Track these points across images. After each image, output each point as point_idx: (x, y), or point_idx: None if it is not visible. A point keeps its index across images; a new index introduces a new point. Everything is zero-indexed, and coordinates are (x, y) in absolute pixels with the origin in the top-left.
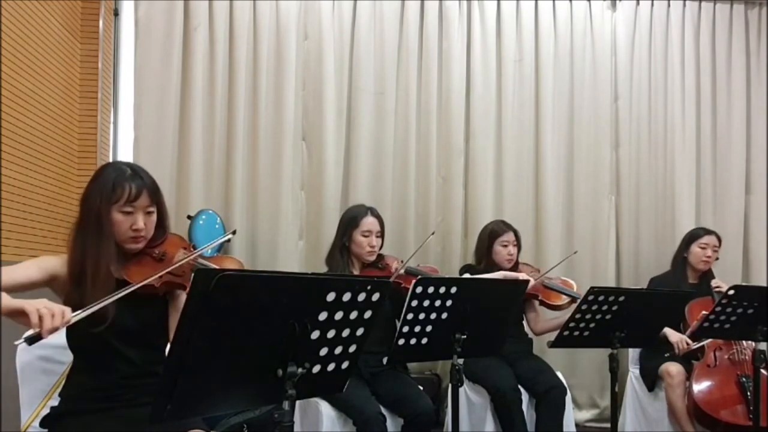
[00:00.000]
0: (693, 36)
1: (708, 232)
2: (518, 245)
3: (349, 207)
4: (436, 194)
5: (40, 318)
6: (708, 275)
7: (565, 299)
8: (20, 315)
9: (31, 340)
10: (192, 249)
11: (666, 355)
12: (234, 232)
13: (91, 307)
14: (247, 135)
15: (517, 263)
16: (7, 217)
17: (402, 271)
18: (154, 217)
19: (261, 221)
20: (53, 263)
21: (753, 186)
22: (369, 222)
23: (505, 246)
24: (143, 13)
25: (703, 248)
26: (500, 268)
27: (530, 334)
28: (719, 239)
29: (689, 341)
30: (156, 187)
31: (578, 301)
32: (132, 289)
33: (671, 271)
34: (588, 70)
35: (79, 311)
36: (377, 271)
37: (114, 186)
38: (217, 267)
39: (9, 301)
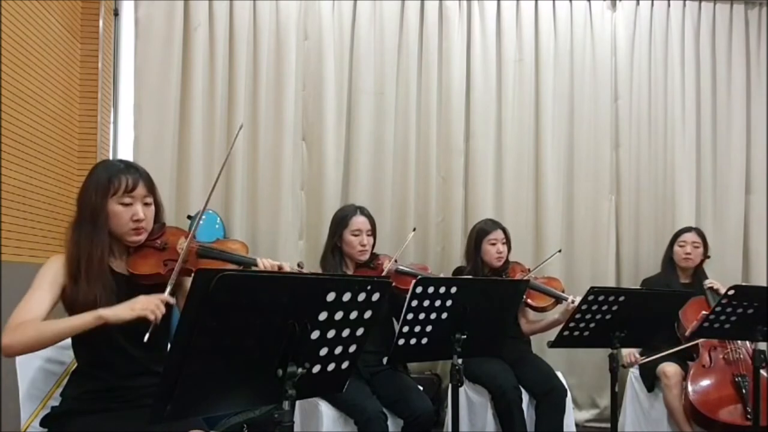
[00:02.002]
0: (693, 36)
1: (689, 229)
2: (508, 243)
3: (339, 208)
4: (436, 194)
5: (154, 314)
6: (700, 275)
7: (550, 301)
8: (137, 321)
9: (151, 333)
10: (192, 236)
11: (622, 365)
12: (241, 126)
13: (173, 277)
14: (247, 135)
15: (507, 262)
16: (7, 217)
17: (393, 269)
18: (153, 208)
19: (261, 221)
20: (58, 272)
21: (753, 186)
22: (359, 221)
23: (494, 244)
24: (143, 13)
25: (681, 246)
26: (489, 267)
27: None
28: (701, 235)
29: (637, 355)
30: (151, 179)
31: (563, 302)
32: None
33: (662, 272)
34: (588, 70)
35: (168, 287)
36: (370, 271)
37: (110, 179)
38: (222, 250)
39: (121, 314)
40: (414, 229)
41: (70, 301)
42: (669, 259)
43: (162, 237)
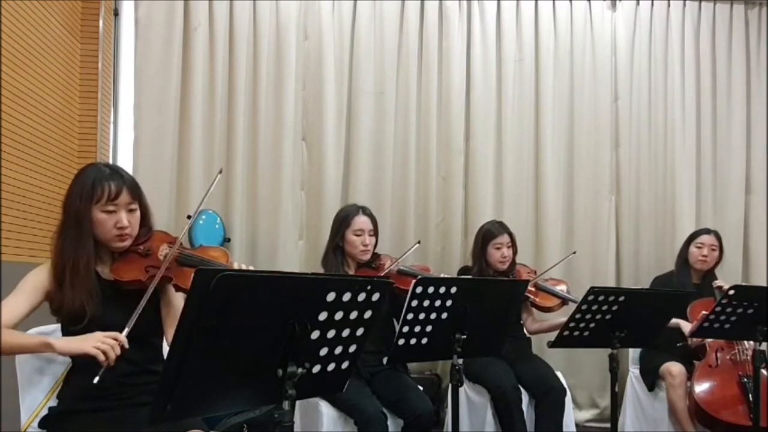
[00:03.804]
0: (693, 36)
1: (707, 231)
2: (514, 247)
3: (340, 207)
4: (436, 194)
5: (105, 354)
6: (710, 276)
7: (556, 301)
8: (84, 357)
9: (104, 373)
10: (176, 243)
11: (678, 344)
12: (221, 171)
13: (133, 317)
14: (247, 135)
15: (513, 264)
16: (7, 217)
17: (394, 269)
18: (138, 214)
19: (261, 221)
20: (41, 279)
21: (753, 186)
22: (361, 221)
23: (498, 248)
24: (143, 13)
25: (699, 248)
26: (494, 270)
27: (528, 334)
28: (719, 238)
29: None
30: (136, 185)
31: (569, 303)
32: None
33: (675, 272)
34: (588, 70)
35: (126, 328)
36: (371, 271)
37: (93, 185)
38: (202, 258)
39: (68, 346)
40: (418, 242)
41: (56, 307)
42: (684, 260)
43: (147, 243)
